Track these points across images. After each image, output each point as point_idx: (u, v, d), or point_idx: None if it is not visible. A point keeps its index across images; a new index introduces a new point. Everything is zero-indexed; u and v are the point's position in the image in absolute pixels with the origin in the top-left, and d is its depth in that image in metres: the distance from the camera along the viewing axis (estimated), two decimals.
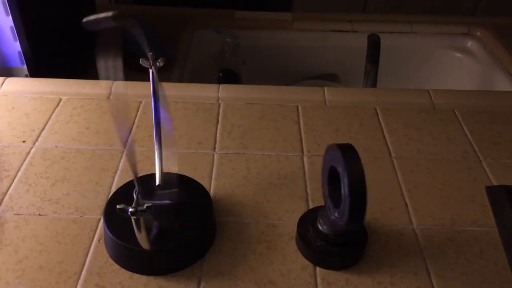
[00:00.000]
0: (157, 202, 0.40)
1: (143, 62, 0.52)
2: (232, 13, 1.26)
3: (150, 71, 0.52)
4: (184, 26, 1.18)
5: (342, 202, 0.46)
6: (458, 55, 1.27)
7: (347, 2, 1.37)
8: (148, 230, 0.47)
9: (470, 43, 1.27)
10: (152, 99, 0.53)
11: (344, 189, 0.45)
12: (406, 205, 0.59)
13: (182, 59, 1.13)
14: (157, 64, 0.52)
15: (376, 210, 0.58)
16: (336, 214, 0.48)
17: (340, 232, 0.51)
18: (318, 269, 0.51)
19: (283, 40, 1.26)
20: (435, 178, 0.62)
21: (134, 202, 0.38)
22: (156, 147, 0.55)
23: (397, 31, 1.26)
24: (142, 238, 0.43)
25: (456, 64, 1.26)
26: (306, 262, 0.51)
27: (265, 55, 1.26)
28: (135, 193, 0.39)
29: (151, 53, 0.52)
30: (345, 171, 0.45)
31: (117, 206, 0.38)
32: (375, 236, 0.54)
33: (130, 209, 0.38)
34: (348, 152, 0.47)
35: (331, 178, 0.50)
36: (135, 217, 0.38)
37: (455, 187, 0.61)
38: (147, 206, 0.38)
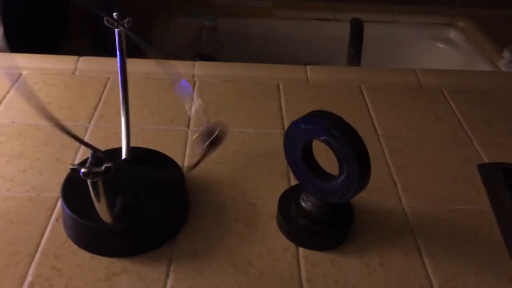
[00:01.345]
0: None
1: (107, 22, 0.47)
2: (211, 0, 1.22)
3: (116, 31, 0.47)
4: (162, 12, 1.13)
5: (344, 171, 0.42)
6: (441, 45, 1.24)
7: None
8: (112, 204, 0.42)
9: (452, 34, 1.25)
10: (118, 60, 0.47)
11: (347, 155, 0.41)
12: (395, 183, 0.55)
13: (157, 45, 1.08)
14: (124, 24, 0.47)
15: (364, 189, 0.53)
16: (335, 184, 0.44)
17: (325, 209, 0.47)
18: (301, 249, 0.46)
19: (264, 28, 1.22)
20: (425, 157, 0.58)
21: (88, 162, 0.33)
22: (122, 118, 0.50)
23: (379, 21, 1.23)
24: (102, 209, 0.37)
25: (439, 55, 1.24)
26: (288, 242, 0.47)
27: (245, 43, 1.22)
28: (90, 154, 0.33)
29: (116, 14, 0.47)
30: (342, 137, 0.41)
31: (70, 166, 0.32)
32: (362, 215, 0.50)
33: (83, 170, 0.32)
34: (332, 118, 0.43)
35: (306, 155, 0.46)
36: (91, 180, 0.33)
37: (446, 165, 0.57)
38: (106, 167, 0.33)
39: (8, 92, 0.63)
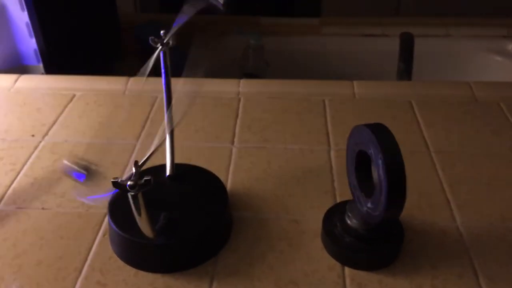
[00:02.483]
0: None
1: (152, 41, 0.48)
2: (258, 19, 1.23)
3: (161, 51, 0.48)
4: (210, 33, 1.16)
5: (376, 189, 0.40)
6: (498, 58, 1.19)
7: (379, 6, 1.32)
8: (155, 219, 0.42)
9: (510, 46, 1.19)
10: (163, 78, 0.48)
11: (379, 172, 0.39)
12: (448, 201, 0.52)
13: (204, 63, 1.10)
14: (168, 43, 0.48)
15: (414, 207, 0.51)
16: (369, 205, 0.42)
17: (372, 226, 0.45)
18: (347, 269, 0.44)
19: (311, 45, 1.21)
20: (481, 173, 0.55)
21: (133, 175, 0.33)
22: (167, 134, 0.50)
23: (431, 35, 1.20)
24: (143, 223, 0.37)
25: (495, 68, 1.18)
26: (333, 261, 0.45)
27: (292, 61, 1.22)
28: (134, 166, 0.34)
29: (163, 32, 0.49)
30: (378, 151, 0.39)
31: (111, 180, 0.33)
32: (413, 234, 0.48)
33: (129, 183, 0.32)
34: (379, 130, 0.41)
35: (359, 165, 0.44)
36: (132, 193, 0.33)
37: (503, 182, 0.54)
38: (145, 180, 0.33)
39: (62, 112, 0.66)
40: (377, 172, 0.39)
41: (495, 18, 1.23)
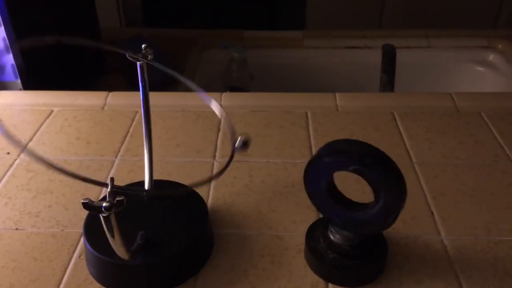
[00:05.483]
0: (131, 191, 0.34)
1: (130, 56, 0.47)
2: (241, 33, 1.23)
3: (138, 64, 0.47)
4: (193, 47, 1.15)
5: (381, 198, 0.40)
6: (480, 68, 1.20)
7: (362, 19, 1.32)
8: (131, 239, 0.41)
9: (491, 56, 1.20)
10: (141, 92, 0.47)
11: (380, 179, 0.39)
12: (432, 213, 0.51)
13: (188, 78, 1.09)
14: (147, 57, 0.47)
15: (397, 220, 0.50)
16: (370, 213, 0.41)
17: (356, 241, 0.44)
18: (330, 285, 0.43)
19: (294, 58, 1.21)
20: (464, 184, 0.55)
21: (107, 195, 0.32)
22: (145, 149, 0.49)
23: (414, 46, 1.21)
24: (116, 245, 0.36)
25: (477, 78, 1.19)
26: (316, 278, 0.44)
27: (275, 74, 1.21)
28: (109, 181, 0.32)
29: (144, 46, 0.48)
30: (372, 163, 0.39)
31: (82, 201, 0.32)
32: (397, 248, 0.47)
33: (104, 204, 0.31)
34: (359, 146, 0.41)
35: (330, 188, 0.43)
36: (104, 215, 0.32)
37: (487, 193, 0.54)
38: (117, 201, 0.32)
39: (39, 128, 0.65)
40: (377, 180, 0.39)
41: (476, 29, 1.24)
